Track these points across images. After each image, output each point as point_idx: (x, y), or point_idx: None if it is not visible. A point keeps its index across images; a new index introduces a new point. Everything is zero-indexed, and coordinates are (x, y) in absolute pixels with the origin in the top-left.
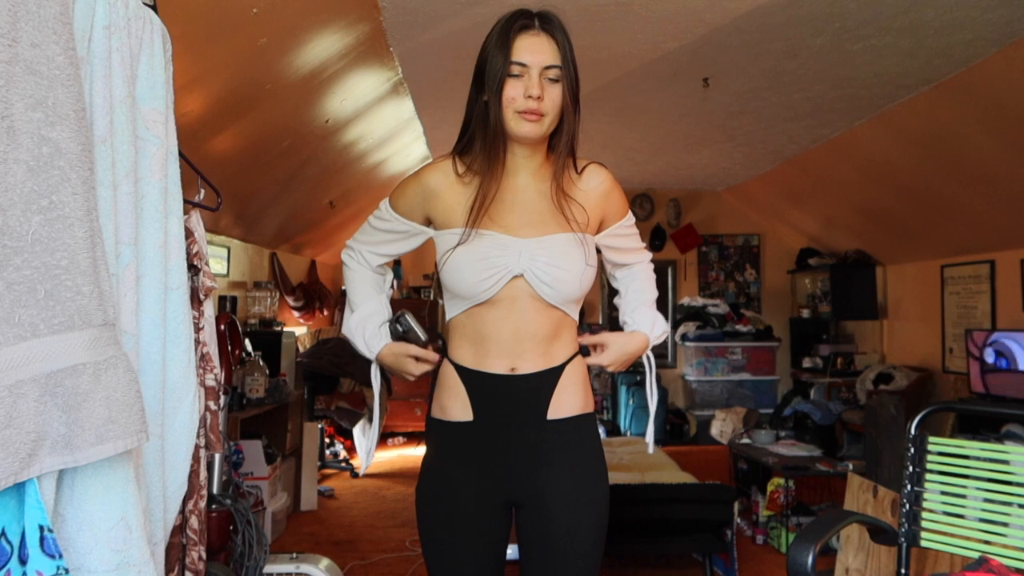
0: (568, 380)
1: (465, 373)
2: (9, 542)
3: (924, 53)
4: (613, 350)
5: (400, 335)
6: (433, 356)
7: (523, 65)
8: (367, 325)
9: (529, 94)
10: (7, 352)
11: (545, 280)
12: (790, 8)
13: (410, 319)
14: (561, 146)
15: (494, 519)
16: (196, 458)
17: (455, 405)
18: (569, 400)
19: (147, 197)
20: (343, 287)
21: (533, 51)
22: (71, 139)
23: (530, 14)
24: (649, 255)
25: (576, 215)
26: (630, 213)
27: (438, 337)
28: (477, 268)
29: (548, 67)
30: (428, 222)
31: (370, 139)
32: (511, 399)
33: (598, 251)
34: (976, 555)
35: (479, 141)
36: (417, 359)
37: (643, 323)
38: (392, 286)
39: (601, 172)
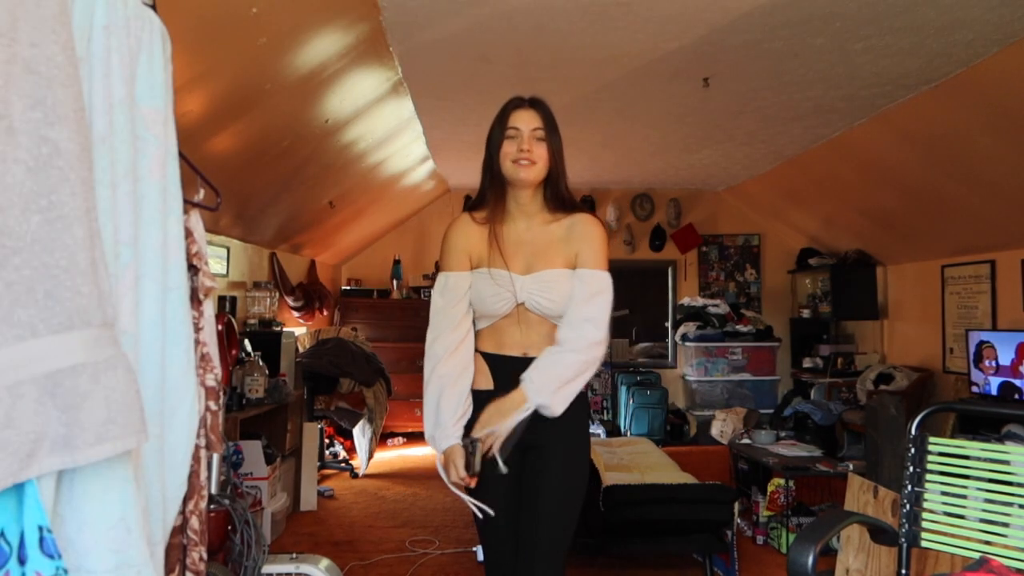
0: None
1: (488, 357)
2: (8, 543)
3: (924, 53)
4: (485, 411)
5: (466, 453)
6: (467, 483)
7: (516, 129)
8: (449, 436)
9: (521, 148)
10: (6, 352)
11: (538, 306)
12: (790, 8)
13: (477, 450)
14: (550, 196)
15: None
16: (196, 458)
17: (481, 379)
18: None
19: (146, 197)
20: (343, 287)
21: (523, 120)
22: (70, 139)
23: (522, 97)
24: (597, 354)
25: (560, 254)
26: (604, 274)
27: (477, 476)
28: (495, 298)
29: (535, 129)
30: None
31: (370, 139)
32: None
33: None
34: (977, 555)
35: (489, 190)
36: (462, 474)
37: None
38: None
39: (585, 218)
